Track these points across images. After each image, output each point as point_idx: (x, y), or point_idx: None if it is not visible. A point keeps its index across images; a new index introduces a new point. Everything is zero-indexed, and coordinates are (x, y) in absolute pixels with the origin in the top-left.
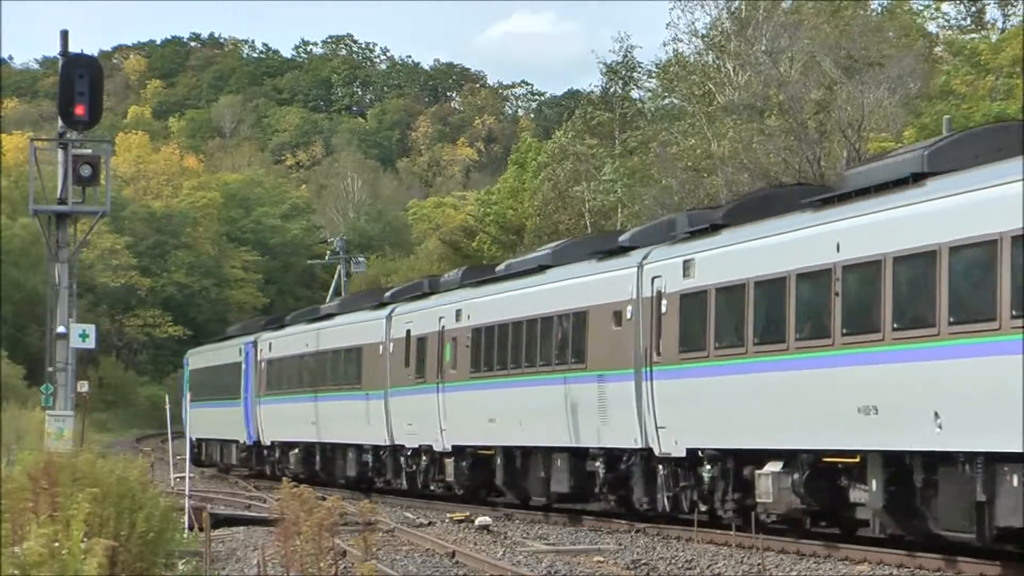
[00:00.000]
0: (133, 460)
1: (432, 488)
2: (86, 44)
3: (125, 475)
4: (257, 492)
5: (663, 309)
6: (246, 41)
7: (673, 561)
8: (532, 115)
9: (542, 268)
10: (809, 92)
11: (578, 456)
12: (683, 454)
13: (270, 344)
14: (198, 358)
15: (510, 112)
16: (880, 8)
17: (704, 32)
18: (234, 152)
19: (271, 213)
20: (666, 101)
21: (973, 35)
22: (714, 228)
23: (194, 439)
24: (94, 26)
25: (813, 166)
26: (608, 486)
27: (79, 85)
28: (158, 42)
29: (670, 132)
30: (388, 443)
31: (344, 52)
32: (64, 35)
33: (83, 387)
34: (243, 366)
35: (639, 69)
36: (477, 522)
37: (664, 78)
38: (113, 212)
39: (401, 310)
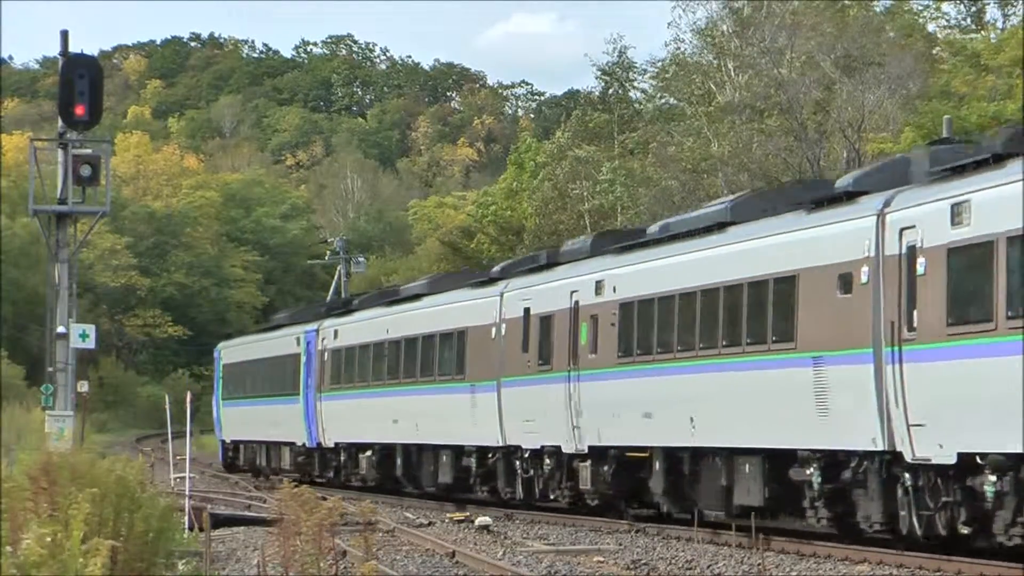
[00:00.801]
0: (132, 460)
1: (555, 498)
2: (86, 44)
3: (124, 475)
4: (257, 492)
5: (920, 270)
6: (246, 41)
7: (673, 561)
8: (532, 115)
9: (720, 226)
10: (809, 92)
11: (775, 460)
12: (951, 459)
13: (335, 331)
14: (234, 351)
15: (510, 112)
16: (882, 9)
17: (704, 29)
18: (234, 152)
19: (271, 213)
20: (662, 101)
21: (973, 35)
22: (996, 159)
23: (228, 441)
24: (94, 26)
25: (813, 166)
26: (825, 500)
27: (79, 85)
28: (158, 42)
29: (669, 133)
30: (500, 444)
31: (344, 52)
32: (64, 35)
33: (83, 387)
34: (302, 358)
35: (635, 69)
36: (477, 522)
37: (662, 78)
38: (113, 212)
39: (517, 285)
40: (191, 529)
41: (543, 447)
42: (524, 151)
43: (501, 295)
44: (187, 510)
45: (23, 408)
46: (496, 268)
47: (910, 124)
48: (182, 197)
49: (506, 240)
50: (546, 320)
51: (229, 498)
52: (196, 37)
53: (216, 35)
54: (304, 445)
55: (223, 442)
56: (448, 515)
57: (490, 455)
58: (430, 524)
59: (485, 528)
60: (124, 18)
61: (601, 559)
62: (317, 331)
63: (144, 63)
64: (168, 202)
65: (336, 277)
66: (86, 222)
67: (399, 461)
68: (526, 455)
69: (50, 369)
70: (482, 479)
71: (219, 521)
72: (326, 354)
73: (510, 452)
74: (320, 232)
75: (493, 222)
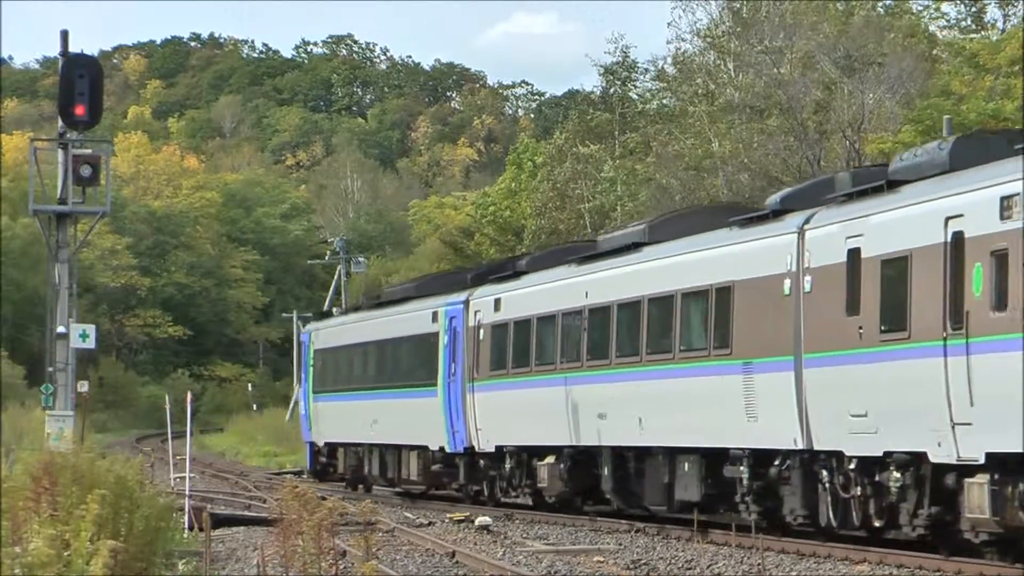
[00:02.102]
0: (131, 460)
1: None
2: (86, 44)
3: (123, 475)
4: (257, 492)
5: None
6: (246, 41)
7: (673, 561)
8: (532, 115)
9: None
10: (809, 92)
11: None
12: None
13: (496, 302)
14: (331, 333)
15: (510, 112)
16: (883, 9)
17: (704, 29)
18: (234, 152)
19: (271, 213)
20: (665, 100)
21: (973, 35)
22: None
23: (321, 444)
24: (94, 26)
25: (813, 166)
26: (755, 495)
27: (79, 85)
28: (158, 42)
29: (670, 132)
30: (802, 444)
31: (344, 52)
32: (64, 35)
33: (83, 387)
34: (443, 338)
35: (636, 68)
36: (477, 522)
37: (664, 78)
38: (113, 212)
39: (831, 217)
40: (191, 529)
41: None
42: (522, 151)
43: (800, 233)
44: (187, 510)
45: (24, 408)
46: (775, 198)
47: (910, 123)
48: (182, 197)
49: (506, 240)
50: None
51: (229, 498)
52: (196, 37)
53: (216, 35)
54: (443, 450)
55: (312, 445)
56: (448, 515)
57: (784, 461)
58: (430, 524)
59: (485, 528)
60: (124, 18)
61: (601, 559)
62: (466, 303)
63: (144, 63)
64: (168, 202)
65: (336, 277)
66: (86, 222)
67: (607, 471)
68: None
69: (50, 369)
70: (757, 495)
71: (219, 521)
72: (482, 332)
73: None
74: (320, 232)
75: (493, 222)
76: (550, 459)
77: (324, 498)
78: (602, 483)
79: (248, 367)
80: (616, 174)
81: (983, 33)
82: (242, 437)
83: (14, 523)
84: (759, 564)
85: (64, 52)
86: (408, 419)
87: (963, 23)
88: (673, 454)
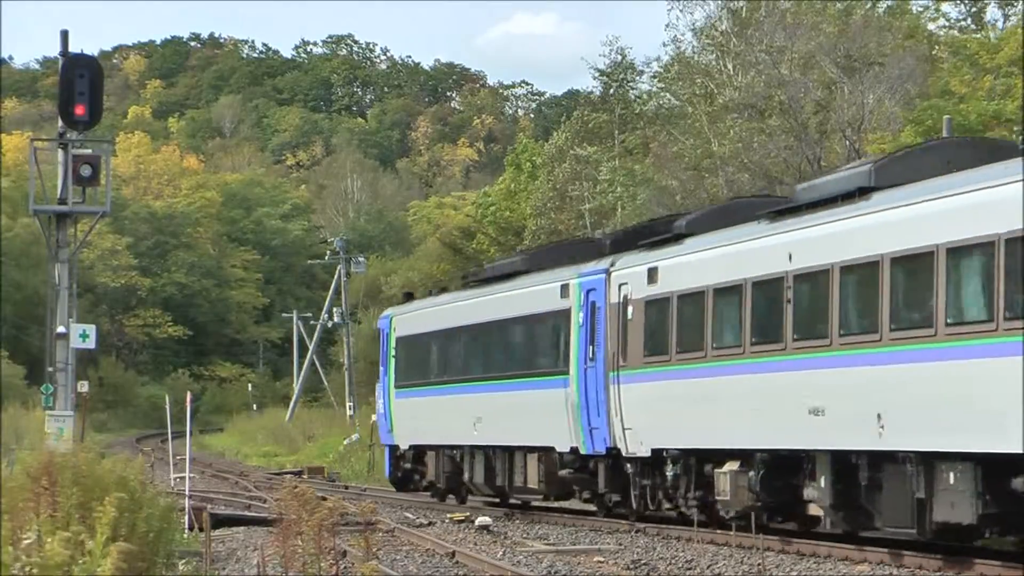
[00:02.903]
0: (132, 460)
1: None
2: (86, 44)
3: (125, 475)
4: (257, 492)
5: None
6: (246, 41)
7: (673, 561)
8: (532, 115)
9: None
10: (809, 92)
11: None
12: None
13: (652, 272)
14: (418, 318)
15: (510, 112)
16: (884, 9)
17: (703, 28)
18: (234, 152)
19: (272, 213)
20: (664, 99)
21: (973, 35)
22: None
23: (405, 447)
24: (94, 26)
25: (813, 166)
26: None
27: (79, 85)
28: (158, 42)
29: (670, 132)
30: None
31: (344, 52)
32: (64, 35)
33: (83, 387)
34: (576, 317)
35: (634, 69)
36: (477, 522)
37: (664, 78)
38: (113, 212)
39: None
40: (191, 529)
41: None
42: (521, 152)
43: None
44: (187, 510)
45: (24, 408)
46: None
47: (910, 123)
48: (182, 197)
49: (506, 240)
50: None
51: (229, 498)
52: (196, 37)
53: (216, 35)
54: (575, 452)
55: (393, 448)
56: (448, 515)
57: None
58: (430, 524)
59: (485, 528)
60: (124, 18)
61: (601, 559)
62: (607, 274)
63: (144, 63)
64: (169, 202)
65: (336, 277)
66: (86, 222)
67: (823, 481)
68: None
69: (50, 369)
70: None
71: (219, 521)
72: (631, 309)
73: None
74: (320, 232)
75: (493, 222)
76: (732, 465)
77: (324, 498)
78: (815, 496)
79: (248, 367)
80: (614, 175)
81: (983, 33)
82: (242, 437)
83: (15, 523)
84: (759, 564)
85: (64, 52)
86: (526, 416)
87: (963, 23)
88: (929, 461)
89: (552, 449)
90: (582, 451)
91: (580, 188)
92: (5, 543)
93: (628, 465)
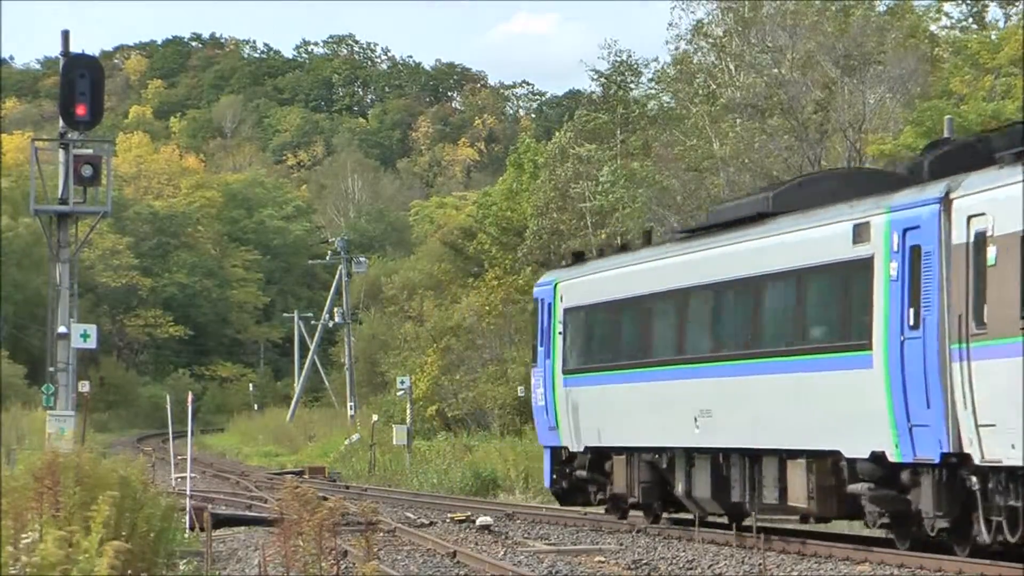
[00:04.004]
0: (133, 460)
1: None
2: (87, 44)
3: (126, 475)
4: (258, 492)
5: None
6: (247, 41)
7: (674, 561)
8: (533, 115)
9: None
10: (810, 92)
11: None
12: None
13: None
14: (598, 283)
15: (511, 112)
16: (883, 9)
17: (703, 29)
18: (235, 152)
19: (274, 214)
20: (665, 99)
21: (973, 35)
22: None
23: (578, 450)
24: (95, 26)
25: (814, 166)
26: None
27: (80, 85)
28: (159, 42)
29: (672, 133)
30: None
31: (345, 52)
32: (65, 35)
33: (84, 387)
34: (885, 268)
35: (633, 71)
36: (478, 522)
37: (664, 79)
38: (114, 212)
39: None
40: (192, 529)
41: None
42: (523, 152)
43: None
44: (188, 510)
45: (25, 409)
46: None
47: (910, 124)
48: (182, 197)
49: (507, 240)
50: None
51: (230, 498)
52: (197, 37)
53: (217, 35)
54: (877, 458)
55: (556, 451)
56: (449, 515)
57: None
58: (431, 524)
59: (486, 528)
60: (125, 18)
61: (602, 559)
62: (942, 204)
63: (145, 63)
64: (169, 202)
65: (337, 277)
66: (87, 222)
67: None
68: None
69: (51, 369)
70: None
71: (220, 521)
72: (993, 251)
73: None
74: (321, 232)
75: (494, 223)
76: None
77: (325, 498)
78: None
79: (249, 367)
80: (615, 176)
81: (984, 32)
82: (243, 437)
83: (17, 523)
84: (760, 564)
85: (65, 52)
86: (789, 409)
87: (963, 23)
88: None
89: (833, 455)
90: (894, 458)
91: (581, 188)
92: (5, 543)
93: (974, 479)
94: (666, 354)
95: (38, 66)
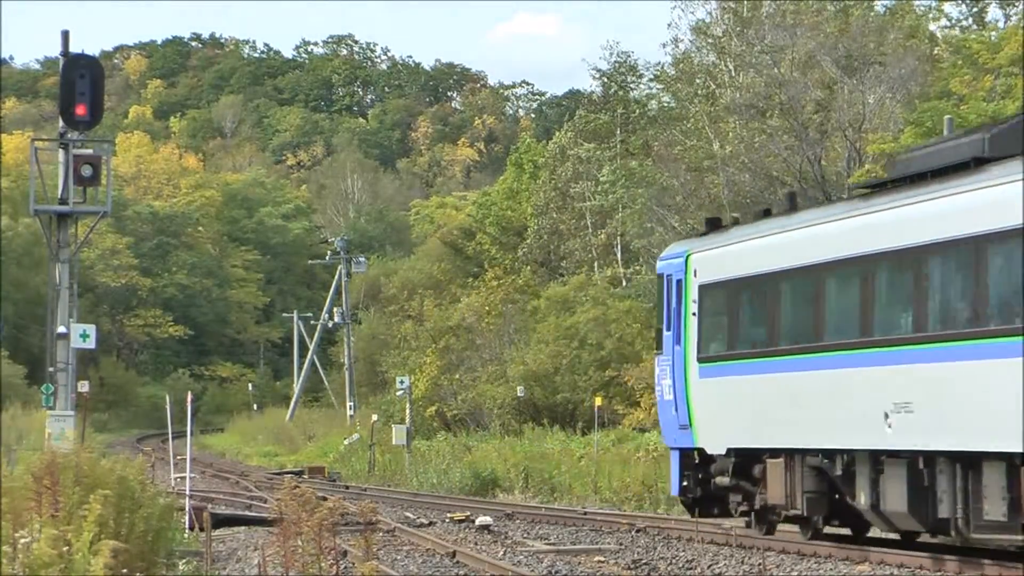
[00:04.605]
0: (132, 460)
1: None
2: (87, 44)
3: (125, 475)
4: (258, 492)
5: None
6: (247, 41)
7: (674, 561)
8: (533, 115)
9: None
10: (810, 92)
11: None
12: None
13: None
14: (741, 254)
15: (511, 112)
16: (884, 9)
17: (703, 27)
18: (235, 152)
19: (272, 213)
20: (665, 99)
21: (972, 35)
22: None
23: (718, 453)
24: (95, 26)
25: (814, 166)
26: None
27: (80, 85)
28: (159, 42)
29: (672, 133)
30: None
31: (345, 52)
32: (65, 35)
33: (84, 387)
34: None
35: (634, 71)
36: (478, 522)
37: (664, 79)
38: (114, 212)
39: None
40: (191, 529)
41: None
42: (523, 151)
43: None
44: (187, 510)
45: (25, 409)
46: None
47: (911, 123)
48: (182, 196)
49: (507, 240)
50: None
51: (230, 498)
52: (197, 37)
53: (217, 35)
54: None
55: (686, 455)
56: (449, 515)
57: None
58: (431, 524)
59: (486, 528)
60: (125, 18)
61: (602, 559)
62: None
63: (145, 63)
64: (169, 202)
65: (336, 277)
66: (87, 222)
67: None
68: None
69: (51, 369)
70: None
71: (219, 521)
72: None
73: None
74: (321, 232)
75: (494, 223)
76: None
77: (324, 498)
78: None
79: (249, 367)
80: (615, 176)
81: (983, 32)
82: (243, 437)
83: (16, 523)
84: (759, 564)
85: (65, 52)
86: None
87: (963, 23)
88: None
89: None
90: None
91: (581, 188)
92: (5, 543)
93: None
94: (845, 336)
95: (38, 66)
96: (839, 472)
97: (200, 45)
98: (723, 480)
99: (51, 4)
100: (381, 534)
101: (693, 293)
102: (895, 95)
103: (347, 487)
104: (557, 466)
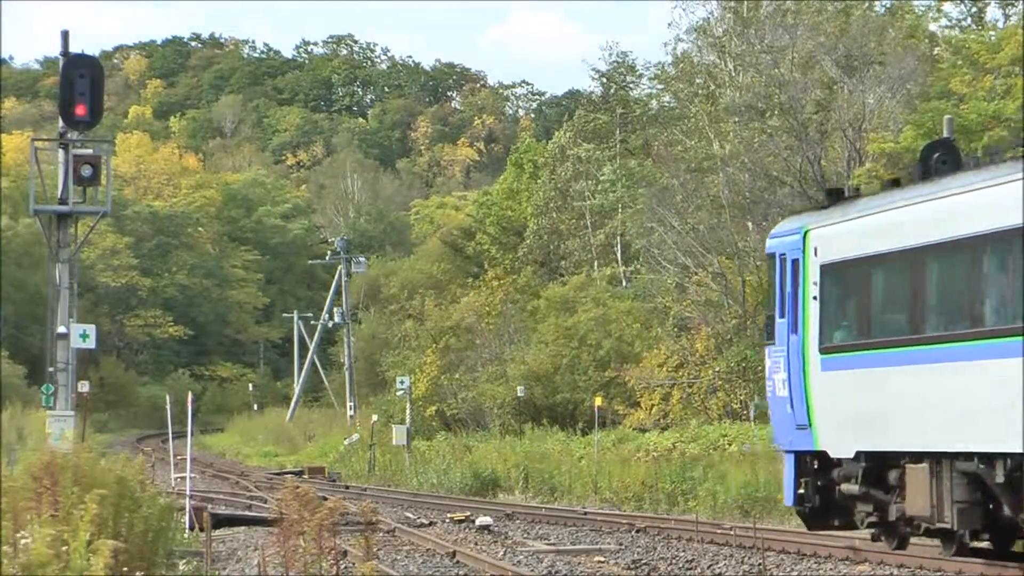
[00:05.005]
0: (131, 459)
1: None
2: (87, 44)
3: (123, 475)
4: (258, 492)
5: None
6: (246, 41)
7: (674, 561)
8: (532, 115)
9: None
10: (810, 92)
11: None
12: None
13: None
14: (861, 230)
15: (510, 112)
16: (882, 9)
17: (703, 28)
18: (235, 152)
19: (272, 213)
20: (665, 99)
21: (972, 35)
22: None
23: (843, 456)
24: (95, 26)
25: (814, 166)
26: None
27: (80, 85)
28: (158, 42)
29: (673, 132)
30: None
31: (345, 52)
32: (65, 35)
33: (84, 387)
34: None
35: (634, 72)
36: (478, 522)
37: (663, 78)
38: (114, 212)
39: None
40: (192, 529)
41: None
42: (523, 151)
43: None
44: (188, 510)
45: (25, 409)
46: None
47: (910, 123)
48: (182, 197)
49: (507, 240)
50: None
51: (230, 498)
52: (196, 37)
53: (216, 35)
54: None
55: (802, 458)
56: (449, 515)
57: None
58: (431, 524)
59: (486, 528)
60: (124, 18)
61: (602, 559)
62: None
63: (144, 63)
64: (169, 202)
65: (336, 277)
66: (87, 222)
67: None
68: None
69: (51, 369)
70: None
71: (219, 521)
72: None
73: None
74: (321, 232)
75: (494, 222)
76: None
77: (325, 498)
78: None
79: (249, 367)
80: (615, 176)
81: (982, 32)
82: (243, 437)
83: (16, 523)
84: (759, 564)
85: (65, 52)
86: None
87: (963, 23)
88: None
89: None
90: None
91: (581, 187)
92: (5, 543)
93: None
94: (1012, 320)
95: (38, 66)
96: (1000, 479)
97: (200, 45)
98: (850, 488)
99: (51, 4)
100: (381, 534)
101: (813, 274)
102: (895, 95)
103: (347, 487)
104: (557, 466)
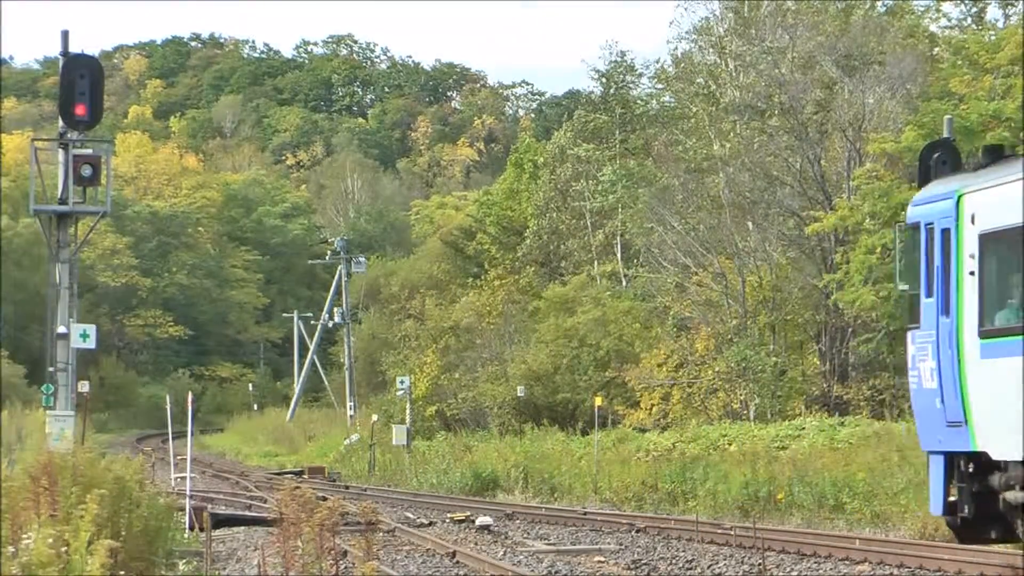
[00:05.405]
0: (130, 459)
1: None
2: (87, 44)
3: (122, 475)
4: (258, 492)
5: None
6: (246, 41)
7: (674, 561)
8: (532, 115)
9: None
10: (810, 91)
11: None
12: None
13: None
14: None
15: (510, 112)
16: (883, 9)
17: (704, 27)
18: (235, 152)
19: (272, 213)
20: (665, 98)
21: (971, 34)
22: None
23: (1015, 454)
24: (94, 26)
25: (814, 166)
26: None
27: (80, 85)
28: (158, 42)
29: (673, 132)
30: None
31: (345, 52)
32: (65, 35)
33: (84, 387)
34: None
35: (634, 72)
36: (478, 522)
37: (663, 78)
38: (114, 212)
39: None
40: (192, 529)
41: None
42: (524, 151)
43: None
44: (187, 510)
45: (25, 409)
46: None
47: (911, 123)
48: (182, 197)
49: (507, 240)
50: None
51: (230, 498)
52: (196, 37)
53: (216, 35)
54: None
55: (953, 460)
56: (449, 515)
57: None
58: (431, 524)
59: (486, 528)
60: (124, 18)
61: (602, 559)
62: None
63: (144, 63)
64: (169, 202)
65: (336, 277)
66: (87, 222)
67: None
68: None
69: (51, 369)
70: None
71: (219, 521)
72: None
73: None
74: (321, 232)
75: (494, 222)
76: None
77: (324, 498)
78: None
79: (249, 367)
80: (615, 176)
81: (981, 32)
82: (243, 437)
83: (15, 523)
84: (759, 564)
85: (65, 52)
86: None
87: (964, 23)
88: None
89: None
90: None
91: (581, 188)
92: (5, 543)
93: None
94: None
95: (38, 66)
96: None
97: (200, 45)
98: (1016, 496)
99: (51, 4)
100: (381, 534)
101: (971, 246)
102: (895, 95)
103: (347, 487)
104: (557, 466)
